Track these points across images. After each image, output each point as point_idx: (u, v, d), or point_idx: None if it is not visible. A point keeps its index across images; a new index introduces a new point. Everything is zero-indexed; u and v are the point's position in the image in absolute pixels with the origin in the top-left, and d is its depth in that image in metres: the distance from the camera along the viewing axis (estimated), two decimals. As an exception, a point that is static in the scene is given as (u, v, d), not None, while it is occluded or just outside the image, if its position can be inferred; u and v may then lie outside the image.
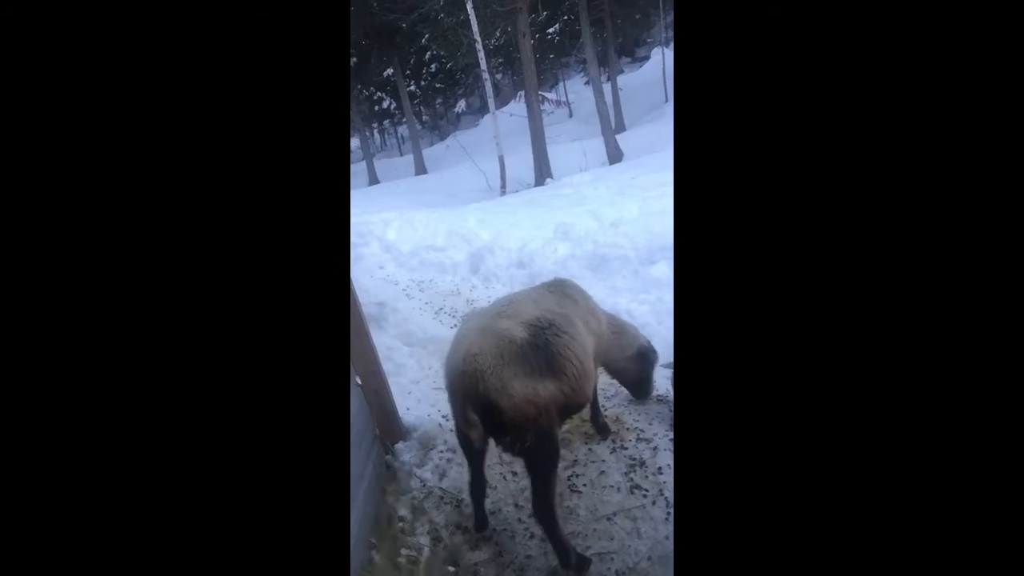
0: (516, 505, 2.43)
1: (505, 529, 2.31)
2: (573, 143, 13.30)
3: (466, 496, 2.42)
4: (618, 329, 2.66)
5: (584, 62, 14.73)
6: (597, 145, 12.32)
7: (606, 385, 3.02)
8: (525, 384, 1.91)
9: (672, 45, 16.73)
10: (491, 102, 11.59)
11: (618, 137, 12.41)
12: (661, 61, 15.87)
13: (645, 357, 2.74)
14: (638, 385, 2.82)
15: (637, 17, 16.80)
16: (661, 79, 15.65)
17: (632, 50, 18.83)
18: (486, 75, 11.36)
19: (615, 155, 11.89)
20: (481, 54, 11.04)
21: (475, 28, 10.77)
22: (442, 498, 2.51)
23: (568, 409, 2.14)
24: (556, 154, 11.69)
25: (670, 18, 16.36)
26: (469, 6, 10.64)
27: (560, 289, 2.48)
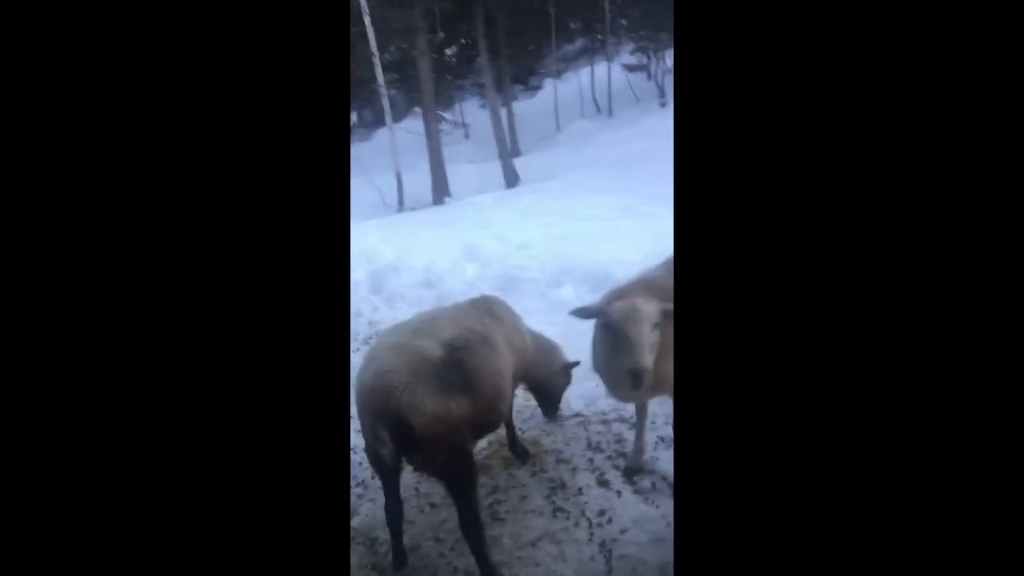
0: (436, 539, 2.33)
1: (426, 566, 2.20)
2: (470, 164, 13.43)
3: (380, 533, 2.27)
4: (544, 347, 2.69)
5: (480, 86, 15.01)
6: (494, 168, 12.56)
7: (521, 407, 3.02)
8: (437, 401, 1.89)
9: (562, 77, 17.69)
10: (388, 117, 11.36)
11: (514, 162, 12.75)
12: (553, 92, 16.67)
13: (568, 376, 2.80)
14: (552, 403, 2.87)
15: (530, 48, 17.52)
16: (553, 109, 16.42)
17: (525, 79, 19.60)
18: (383, 89, 11.14)
19: (512, 179, 12.19)
20: (378, 68, 10.83)
21: (373, 42, 10.56)
22: (353, 538, 2.33)
23: (482, 428, 2.14)
24: (453, 174, 11.72)
25: (561, 51, 17.27)
26: (366, 19, 10.42)
27: (485, 306, 2.46)
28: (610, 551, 2.15)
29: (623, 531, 2.23)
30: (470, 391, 1.98)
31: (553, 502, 2.43)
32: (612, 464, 2.61)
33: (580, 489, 2.49)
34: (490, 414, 2.09)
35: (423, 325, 2.16)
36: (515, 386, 2.48)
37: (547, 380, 2.74)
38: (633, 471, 2.52)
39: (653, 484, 2.45)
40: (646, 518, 2.27)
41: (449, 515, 2.42)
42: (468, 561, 2.15)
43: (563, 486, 2.52)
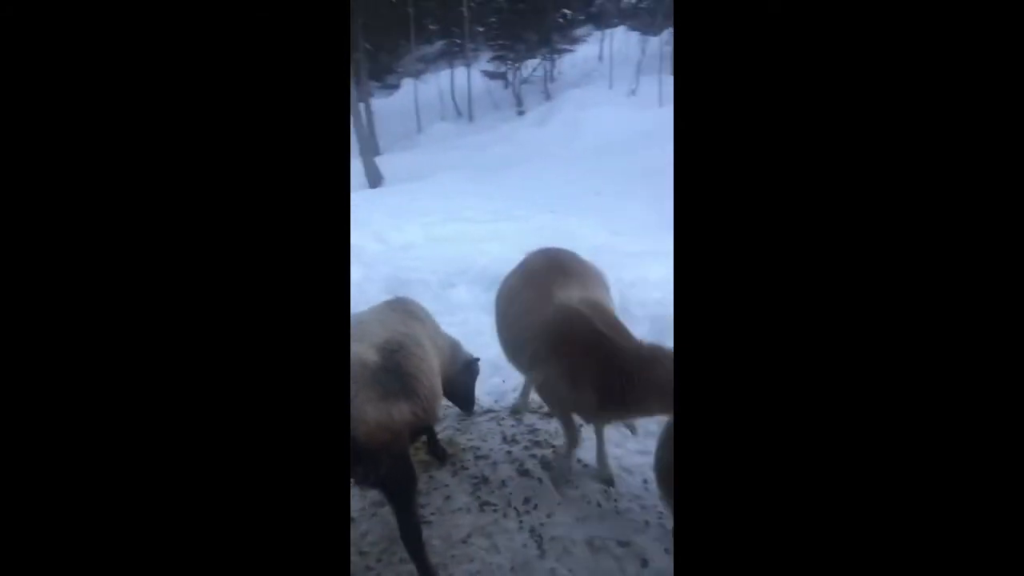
0: (360, 553, 2.24)
1: (357, 580, 2.11)
2: (327, 161, 12.74)
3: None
4: (451, 344, 2.72)
5: (335, 80, 14.26)
6: (355, 166, 12.06)
7: (431, 409, 3.01)
8: (378, 408, 1.85)
9: (421, 78, 17.57)
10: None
11: (376, 160, 12.38)
12: (412, 92, 16.49)
13: (471, 370, 2.86)
14: (467, 398, 2.91)
15: (389, 46, 17.11)
16: (412, 109, 16.24)
17: (383, 76, 19.08)
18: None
19: (375, 178, 11.82)
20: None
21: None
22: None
23: (418, 430, 2.12)
24: (311, 171, 11.06)
25: (420, 52, 17.13)
26: None
27: (403, 308, 2.42)
28: (540, 535, 2.26)
29: (549, 515, 2.36)
30: (409, 395, 1.95)
31: (478, 497, 2.48)
32: (529, 454, 2.73)
33: (503, 481, 2.56)
34: (427, 416, 2.06)
35: (352, 331, 2.06)
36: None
37: (457, 377, 2.78)
38: (606, 481, 2.53)
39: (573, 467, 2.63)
40: (569, 500, 2.42)
41: (369, 528, 2.35)
42: (398, 570, 2.11)
43: (486, 481, 2.57)
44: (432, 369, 2.16)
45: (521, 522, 2.34)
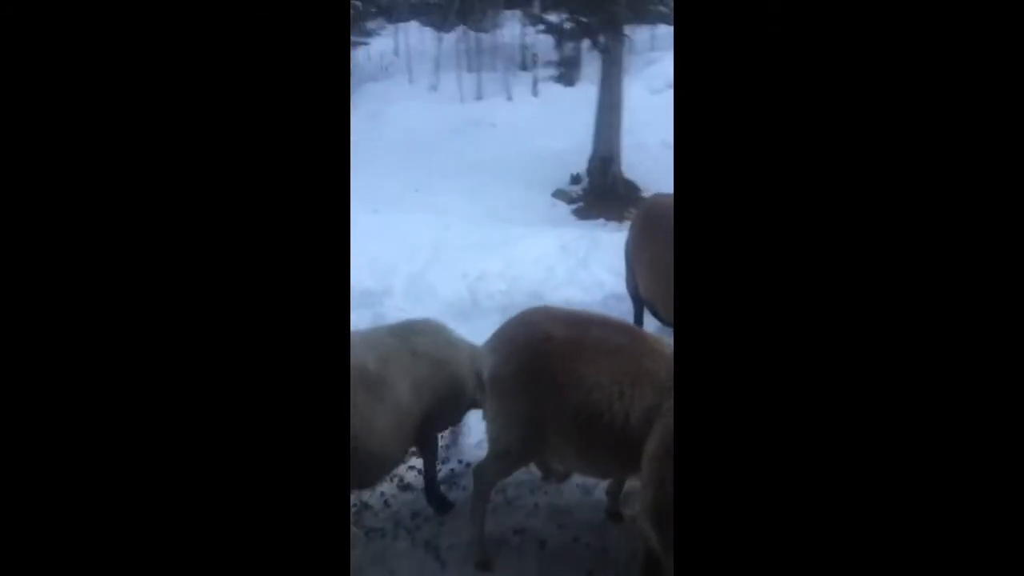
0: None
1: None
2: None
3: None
4: (449, 382, 2.37)
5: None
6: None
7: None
8: None
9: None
10: None
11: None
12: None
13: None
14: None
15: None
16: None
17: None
18: None
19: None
20: None
21: None
22: None
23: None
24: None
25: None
26: None
27: (402, 335, 2.22)
28: (436, 547, 2.20)
29: (441, 523, 2.30)
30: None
31: (363, 526, 2.31)
32: (408, 466, 2.62)
33: (386, 502, 2.43)
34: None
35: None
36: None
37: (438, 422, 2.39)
38: None
39: (452, 470, 2.59)
40: (458, 503, 2.39)
41: None
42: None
43: (367, 507, 2.40)
44: (374, 415, 1.95)
45: (413, 539, 2.25)
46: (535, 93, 8.73)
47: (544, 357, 1.79)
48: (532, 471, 2.50)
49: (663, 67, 8.68)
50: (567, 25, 6.34)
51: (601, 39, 5.71)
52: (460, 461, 2.62)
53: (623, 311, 3.23)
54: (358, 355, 1.92)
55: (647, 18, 8.03)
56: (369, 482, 2.17)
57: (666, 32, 11.28)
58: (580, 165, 6.94)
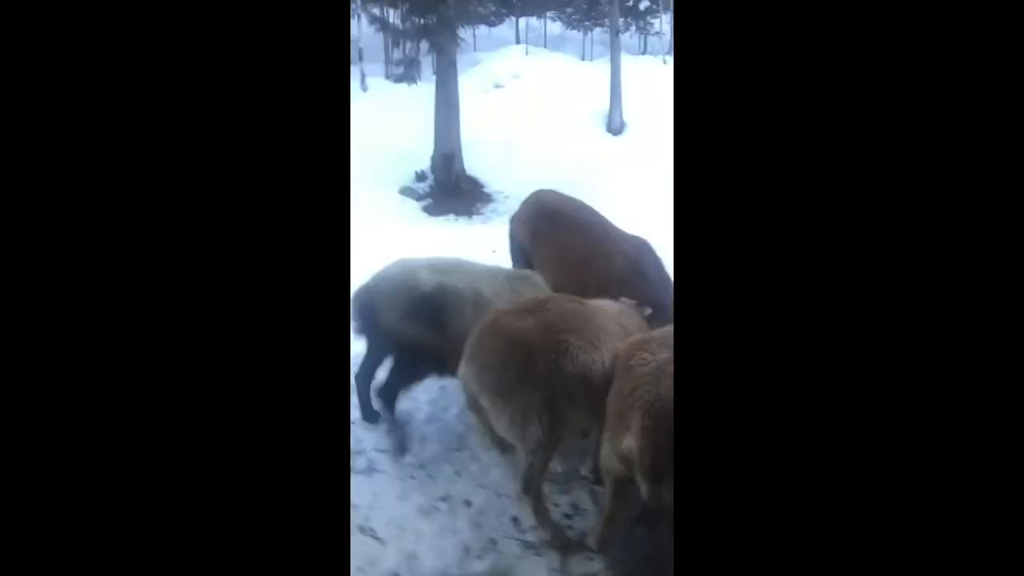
0: None
1: None
2: None
3: None
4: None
5: None
6: None
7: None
8: None
9: None
10: None
11: None
12: None
13: None
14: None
15: None
16: None
17: None
18: None
19: None
20: None
21: None
22: None
23: None
24: None
25: None
26: None
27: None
28: (372, 528, 2.30)
29: (371, 507, 2.41)
30: None
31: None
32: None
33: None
34: None
35: None
36: None
37: None
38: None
39: (369, 461, 2.69)
40: (386, 483, 2.52)
41: None
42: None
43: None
44: None
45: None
46: (364, 88, 8.61)
47: (529, 346, 2.01)
48: (446, 444, 2.73)
49: (488, 67, 9.23)
50: (404, 25, 6.45)
51: (438, 40, 5.95)
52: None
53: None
54: (480, 282, 2.36)
55: (469, 20, 8.45)
56: None
57: (485, 32, 11.90)
58: (423, 162, 7.12)
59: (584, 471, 2.51)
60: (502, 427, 2.07)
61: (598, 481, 2.34)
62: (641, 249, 2.91)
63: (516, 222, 3.32)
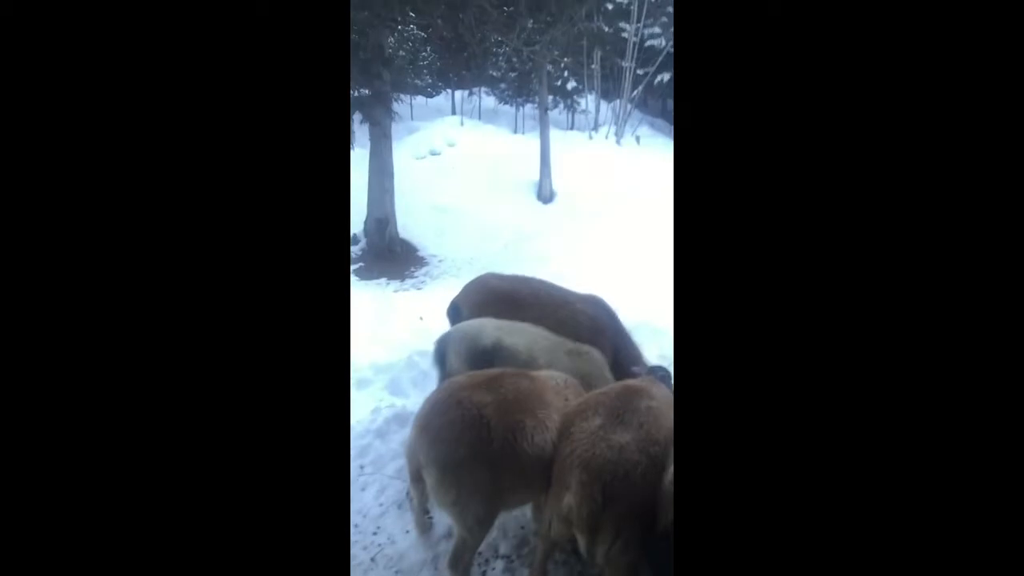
0: None
1: None
2: None
3: None
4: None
5: None
6: None
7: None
8: None
9: None
10: None
11: None
12: None
13: None
14: None
15: None
16: None
17: None
18: None
19: None
20: None
21: None
22: None
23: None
24: None
25: None
26: None
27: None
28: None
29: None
30: None
31: None
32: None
33: None
34: None
35: None
36: None
37: None
38: None
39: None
40: None
41: None
42: None
43: None
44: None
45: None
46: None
47: (487, 423, 1.95)
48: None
49: (424, 135, 9.51)
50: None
51: (371, 113, 6.11)
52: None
53: (427, 366, 3.47)
54: (538, 348, 2.54)
55: (406, 90, 8.74)
56: None
57: (423, 103, 12.33)
58: (355, 226, 7.11)
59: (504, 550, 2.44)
60: (445, 502, 1.99)
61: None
62: (596, 305, 3.04)
63: (464, 304, 3.17)
